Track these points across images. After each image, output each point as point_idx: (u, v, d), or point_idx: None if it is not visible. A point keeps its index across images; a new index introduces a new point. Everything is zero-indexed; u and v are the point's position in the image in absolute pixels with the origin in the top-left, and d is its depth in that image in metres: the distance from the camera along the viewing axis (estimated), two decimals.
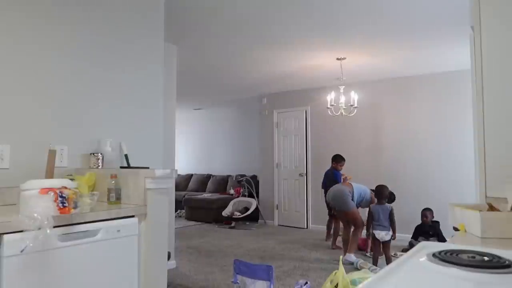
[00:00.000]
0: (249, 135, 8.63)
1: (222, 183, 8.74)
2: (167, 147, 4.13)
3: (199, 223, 7.56)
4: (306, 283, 3.09)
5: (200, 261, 4.61)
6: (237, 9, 3.52)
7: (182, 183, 9.32)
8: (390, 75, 6.03)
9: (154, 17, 3.00)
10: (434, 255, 0.86)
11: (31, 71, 2.23)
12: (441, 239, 4.92)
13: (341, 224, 5.86)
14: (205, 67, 5.60)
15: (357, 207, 4.72)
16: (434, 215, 5.19)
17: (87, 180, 2.15)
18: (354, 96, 5.32)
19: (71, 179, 1.81)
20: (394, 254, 4.49)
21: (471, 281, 0.74)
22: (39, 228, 1.42)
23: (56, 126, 2.33)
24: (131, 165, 2.57)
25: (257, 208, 7.43)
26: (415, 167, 5.93)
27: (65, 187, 1.64)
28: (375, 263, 4.25)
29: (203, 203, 7.77)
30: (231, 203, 7.49)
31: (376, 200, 4.50)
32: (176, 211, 7.40)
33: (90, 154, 2.41)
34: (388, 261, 4.21)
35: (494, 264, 0.80)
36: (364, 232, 4.76)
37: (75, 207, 1.65)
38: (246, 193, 7.86)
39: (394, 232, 4.30)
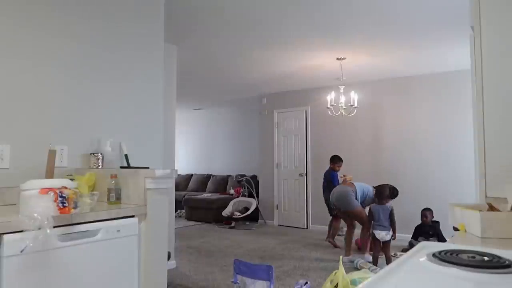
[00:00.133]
0: (249, 135, 8.63)
1: (222, 183, 8.74)
2: (167, 147, 4.13)
3: (199, 223, 7.56)
4: (306, 283, 3.08)
5: (200, 261, 4.61)
6: (237, 9, 3.52)
7: (182, 183, 9.32)
8: (390, 75, 6.03)
9: (154, 17, 3.00)
10: (434, 255, 0.86)
11: (31, 71, 2.23)
12: (441, 239, 4.92)
13: (340, 224, 5.89)
14: (205, 67, 5.59)
15: (362, 206, 4.72)
16: (434, 215, 5.19)
17: (87, 180, 2.15)
18: (354, 96, 5.32)
19: (71, 179, 1.81)
20: (394, 254, 4.49)
21: (471, 281, 0.74)
22: (39, 228, 1.42)
23: (56, 126, 2.33)
24: (131, 165, 2.57)
25: (257, 208, 7.43)
26: (415, 167, 5.93)
27: (65, 187, 1.64)
28: (375, 263, 4.25)
29: (203, 203, 7.77)
30: (231, 203, 7.49)
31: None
32: (176, 211, 7.39)
33: (90, 154, 2.41)
34: (388, 261, 4.22)
35: (494, 264, 0.80)
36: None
37: (75, 207, 1.65)
38: (246, 193, 7.87)
39: (394, 232, 4.30)
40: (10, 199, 1.98)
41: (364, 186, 4.83)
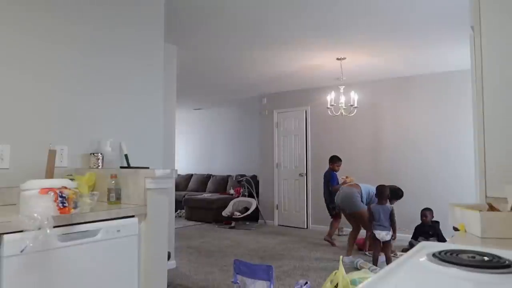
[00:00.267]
0: (249, 135, 8.63)
1: (222, 183, 8.74)
2: (167, 147, 4.13)
3: (199, 223, 7.56)
4: (306, 283, 3.08)
5: (200, 261, 4.61)
6: (237, 9, 3.52)
7: (182, 183, 9.32)
8: (390, 75, 6.03)
9: (154, 17, 3.00)
10: (434, 255, 0.86)
11: (32, 71, 2.23)
12: (441, 239, 4.92)
13: (339, 224, 5.91)
14: (205, 67, 5.59)
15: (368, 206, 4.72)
16: (434, 215, 5.19)
17: (87, 180, 2.15)
18: (354, 96, 5.32)
19: (71, 179, 1.81)
20: (394, 254, 4.49)
21: (471, 281, 0.74)
22: (39, 228, 1.42)
23: (56, 126, 2.33)
24: (131, 165, 2.57)
25: (257, 208, 7.43)
26: (415, 167, 5.93)
27: (65, 187, 1.64)
28: (375, 263, 4.25)
29: (203, 203, 7.77)
30: (231, 203, 7.49)
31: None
32: (176, 211, 7.39)
33: (90, 154, 2.41)
34: (388, 261, 4.21)
35: (494, 264, 0.80)
36: (363, 232, 4.77)
37: (75, 207, 1.65)
38: (246, 193, 7.86)
39: (394, 232, 4.30)
40: (10, 199, 1.98)
41: (369, 187, 4.84)
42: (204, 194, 8.30)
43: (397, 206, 4.75)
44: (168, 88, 4.12)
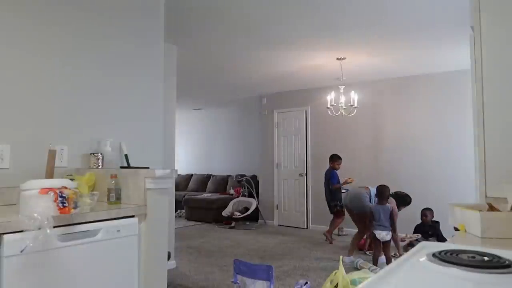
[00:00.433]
0: (249, 135, 8.63)
1: (222, 183, 8.74)
2: (167, 147, 4.12)
3: (199, 223, 7.56)
4: (306, 283, 3.08)
5: (200, 261, 4.61)
6: (237, 9, 3.52)
7: (182, 183, 9.32)
8: (390, 75, 6.03)
9: (154, 17, 2.99)
10: (434, 255, 0.86)
11: (32, 71, 2.23)
12: (441, 239, 4.93)
13: (340, 224, 5.92)
14: (205, 67, 5.59)
15: None
16: (434, 215, 5.19)
17: (87, 180, 2.15)
18: (354, 96, 5.32)
19: (71, 179, 1.81)
20: (394, 254, 4.49)
21: (471, 281, 0.74)
22: (39, 228, 1.42)
23: (56, 126, 2.33)
24: (131, 165, 2.57)
25: (257, 208, 7.43)
26: (415, 167, 5.93)
27: (65, 187, 1.64)
28: (375, 263, 4.24)
29: (203, 203, 7.77)
30: (231, 203, 7.49)
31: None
32: (176, 211, 7.39)
33: (90, 154, 2.41)
34: (388, 261, 4.21)
35: (494, 264, 0.80)
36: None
37: (75, 207, 1.65)
38: (246, 193, 7.86)
39: (394, 232, 4.30)
40: (10, 199, 1.98)
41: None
42: (204, 194, 8.30)
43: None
44: (168, 88, 4.11)
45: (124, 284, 1.85)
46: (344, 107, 5.37)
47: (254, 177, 8.06)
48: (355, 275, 2.95)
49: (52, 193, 1.57)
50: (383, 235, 4.21)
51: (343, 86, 5.47)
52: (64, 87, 2.38)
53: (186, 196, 8.20)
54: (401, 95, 6.15)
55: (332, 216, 5.85)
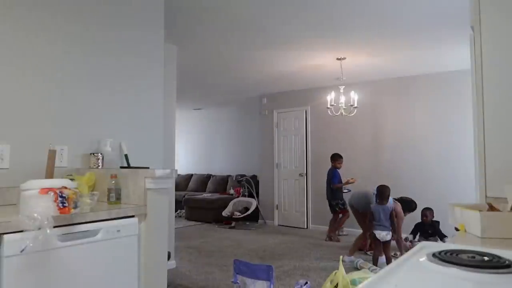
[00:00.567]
0: (249, 135, 8.63)
1: (222, 183, 8.74)
2: (167, 147, 4.12)
3: (199, 223, 7.56)
4: (306, 283, 3.09)
5: (200, 261, 4.61)
6: (237, 9, 3.52)
7: (182, 183, 9.32)
8: (390, 75, 6.03)
9: (154, 17, 3.00)
10: (434, 255, 0.86)
11: (32, 71, 2.23)
12: (441, 236, 4.95)
13: (344, 222, 5.93)
14: (205, 67, 5.59)
15: None
16: (434, 215, 5.19)
17: (87, 180, 2.15)
18: (354, 96, 5.32)
19: (71, 179, 1.81)
20: (394, 254, 4.49)
21: (471, 281, 0.74)
22: (39, 228, 1.42)
23: (56, 126, 2.33)
24: (131, 165, 2.57)
25: (257, 208, 7.43)
26: (415, 167, 5.93)
27: (65, 187, 1.64)
28: (375, 263, 4.25)
29: (203, 203, 7.77)
30: (231, 203, 7.49)
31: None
32: (176, 211, 7.40)
33: (90, 154, 2.41)
34: (388, 261, 4.21)
35: (494, 264, 0.80)
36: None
37: (75, 207, 1.65)
38: (246, 193, 7.86)
39: (394, 232, 4.30)
40: (10, 199, 1.98)
41: None
42: (204, 194, 8.30)
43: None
44: (168, 88, 4.11)
45: (124, 284, 1.85)
46: (344, 107, 5.37)
47: (254, 177, 8.06)
48: (355, 275, 2.95)
49: (52, 193, 1.57)
50: (383, 235, 4.21)
51: (343, 86, 5.47)
52: (64, 87, 2.38)
53: (186, 196, 8.20)
54: (401, 95, 6.15)
55: (332, 215, 5.86)
